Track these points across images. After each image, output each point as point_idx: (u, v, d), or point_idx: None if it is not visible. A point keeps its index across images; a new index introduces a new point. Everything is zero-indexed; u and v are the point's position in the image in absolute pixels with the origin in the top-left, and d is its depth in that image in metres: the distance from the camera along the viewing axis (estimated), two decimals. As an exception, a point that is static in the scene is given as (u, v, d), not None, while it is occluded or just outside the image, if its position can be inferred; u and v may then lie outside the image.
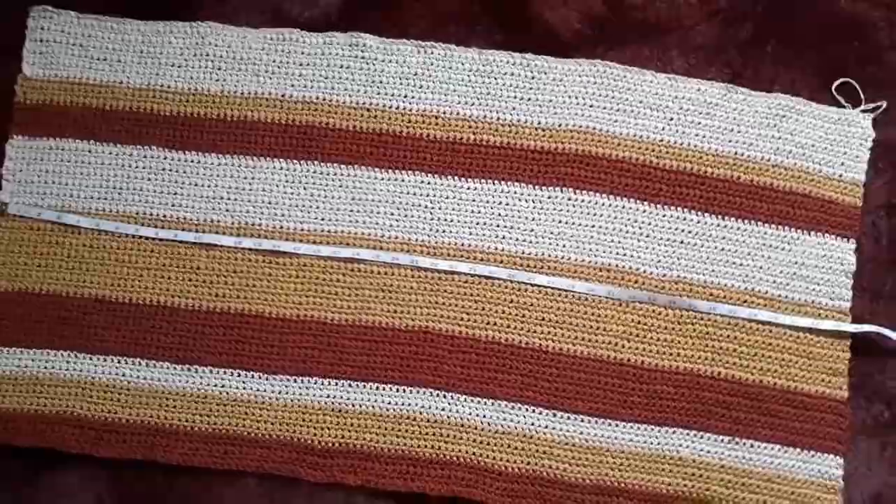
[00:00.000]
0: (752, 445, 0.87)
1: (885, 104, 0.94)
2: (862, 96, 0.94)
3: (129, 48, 0.93)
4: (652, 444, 0.87)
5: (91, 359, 0.88)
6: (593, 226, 0.91)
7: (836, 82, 0.95)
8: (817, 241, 0.91)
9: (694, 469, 0.87)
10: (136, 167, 0.92)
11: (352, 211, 0.91)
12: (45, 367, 0.88)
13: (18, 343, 0.88)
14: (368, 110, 0.92)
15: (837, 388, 0.89)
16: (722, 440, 0.87)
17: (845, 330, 0.90)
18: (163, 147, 0.92)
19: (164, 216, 0.91)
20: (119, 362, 0.88)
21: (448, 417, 0.87)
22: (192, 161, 0.92)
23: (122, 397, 0.88)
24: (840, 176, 0.93)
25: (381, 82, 0.93)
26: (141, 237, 0.90)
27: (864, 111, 0.94)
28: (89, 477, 0.88)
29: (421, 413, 0.87)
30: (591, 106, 0.92)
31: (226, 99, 0.93)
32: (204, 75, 0.93)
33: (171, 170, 0.92)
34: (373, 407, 0.87)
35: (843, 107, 0.94)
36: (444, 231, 0.91)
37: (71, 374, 0.88)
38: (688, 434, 0.88)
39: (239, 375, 0.88)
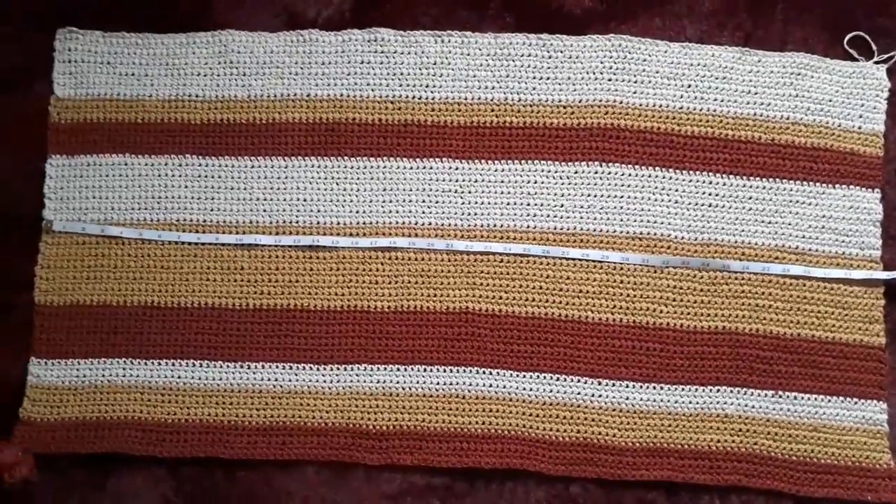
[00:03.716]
0: (795, 398, 0.89)
1: (898, 54, 0.95)
2: (874, 48, 0.96)
3: (155, 62, 0.96)
4: (697, 403, 0.89)
5: (146, 364, 0.91)
6: (622, 196, 0.92)
7: (848, 36, 0.96)
8: (843, 194, 0.93)
9: (740, 425, 0.89)
10: (173, 176, 0.94)
11: (385, 202, 0.93)
12: (103, 376, 0.91)
13: (75, 354, 0.91)
14: (392, 102, 0.95)
15: (875, 335, 0.91)
16: (766, 395, 0.89)
17: (878, 278, 0.91)
18: (196, 154, 0.94)
19: (204, 221, 0.94)
20: (174, 365, 0.91)
21: (496, 393, 0.89)
22: (226, 166, 0.94)
23: (179, 398, 0.90)
24: (859, 128, 0.94)
25: (401, 74, 0.95)
26: (183, 243, 0.93)
27: (877, 62, 0.95)
28: (153, 478, 0.90)
29: (469, 391, 0.89)
30: (609, 80, 0.94)
31: (253, 103, 0.95)
32: (230, 82, 0.95)
33: (206, 176, 0.94)
34: (422, 388, 0.90)
35: (857, 60, 0.96)
36: (476, 214, 0.93)
37: (128, 380, 0.91)
38: (732, 391, 0.89)
39: (290, 368, 0.91)
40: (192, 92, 0.95)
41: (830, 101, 0.94)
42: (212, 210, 0.94)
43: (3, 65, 0.98)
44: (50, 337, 0.92)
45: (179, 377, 0.91)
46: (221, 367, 0.91)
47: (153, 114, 0.95)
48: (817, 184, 0.93)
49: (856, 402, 0.89)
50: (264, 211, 0.94)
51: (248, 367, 0.91)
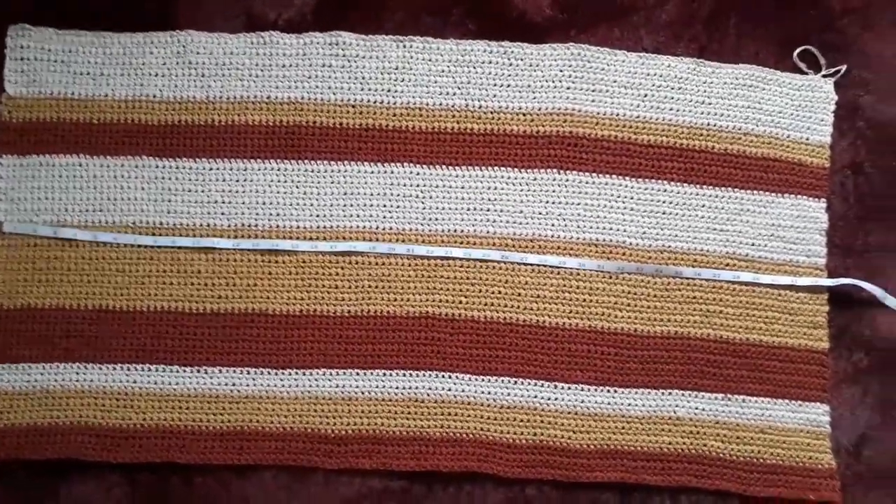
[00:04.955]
0: (743, 400, 0.92)
1: (844, 68, 0.98)
2: (822, 62, 0.99)
3: (111, 61, 0.94)
4: (650, 406, 0.91)
5: (101, 368, 0.90)
6: (579, 203, 0.94)
7: (797, 50, 0.99)
8: (790, 203, 0.96)
9: (691, 427, 0.91)
10: (129, 177, 0.93)
11: (345, 206, 0.93)
12: (56, 380, 0.89)
13: (27, 359, 0.90)
14: (353, 107, 0.95)
15: (819, 339, 0.94)
16: (715, 398, 0.92)
17: (822, 284, 0.95)
18: (153, 156, 0.93)
19: (161, 223, 0.92)
20: (128, 370, 0.90)
21: (454, 397, 0.90)
22: (183, 168, 0.93)
23: (134, 403, 0.89)
24: (807, 139, 0.97)
25: (363, 78, 0.95)
26: (139, 246, 0.92)
27: (825, 76, 0.99)
28: (107, 484, 0.89)
29: (428, 395, 0.90)
30: (568, 88, 0.96)
31: (212, 105, 0.94)
32: (188, 83, 0.94)
33: (163, 177, 0.93)
34: (381, 392, 0.90)
35: (806, 73, 0.99)
36: (436, 219, 0.94)
37: (82, 384, 0.89)
38: (683, 395, 0.92)
39: (248, 373, 0.90)
40: (149, 92, 0.94)
41: (780, 112, 0.97)
42: (169, 212, 0.93)
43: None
44: (0, 341, 0.90)
45: (135, 382, 0.90)
46: (178, 371, 0.90)
47: (109, 114, 0.93)
48: (767, 193, 0.96)
49: (800, 405, 0.93)
50: (223, 214, 0.93)
51: (206, 372, 0.90)
